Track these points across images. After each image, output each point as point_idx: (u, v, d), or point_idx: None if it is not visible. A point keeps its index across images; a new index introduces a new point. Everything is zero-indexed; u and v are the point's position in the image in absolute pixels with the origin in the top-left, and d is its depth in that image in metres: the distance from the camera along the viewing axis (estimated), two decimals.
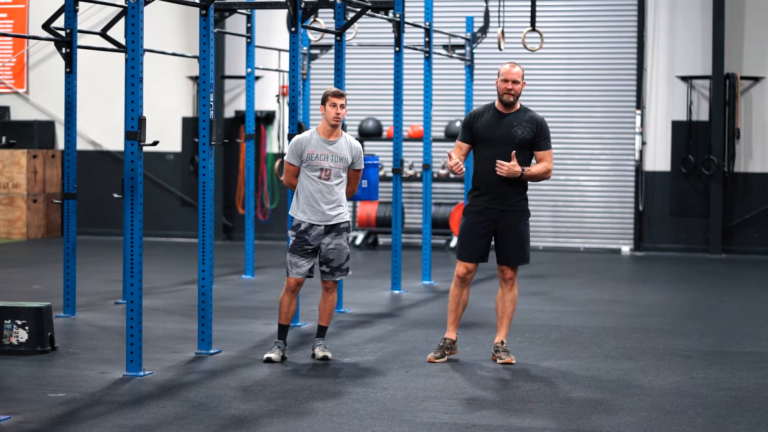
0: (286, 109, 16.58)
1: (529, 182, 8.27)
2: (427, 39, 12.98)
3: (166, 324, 9.92)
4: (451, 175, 17.31)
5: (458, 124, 17.01)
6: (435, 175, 17.33)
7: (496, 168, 8.07)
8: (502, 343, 8.34)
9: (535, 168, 8.19)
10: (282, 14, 17.11)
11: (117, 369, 7.82)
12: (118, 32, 10.52)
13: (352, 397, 7.17)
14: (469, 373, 7.99)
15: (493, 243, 8.39)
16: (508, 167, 8.05)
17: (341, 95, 8.28)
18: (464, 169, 8.12)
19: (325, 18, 15.08)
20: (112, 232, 17.98)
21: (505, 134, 8.17)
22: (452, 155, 8.13)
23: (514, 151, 8.09)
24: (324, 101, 8.29)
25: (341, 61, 10.50)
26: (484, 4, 15.21)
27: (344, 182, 8.39)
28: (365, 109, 17.94)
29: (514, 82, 8.18)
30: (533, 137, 8.19)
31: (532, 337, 9.49)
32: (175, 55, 14.38)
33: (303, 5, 9.75)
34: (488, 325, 9.82)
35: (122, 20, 9.02)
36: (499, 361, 8.27)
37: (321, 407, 6.87)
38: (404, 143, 15.98)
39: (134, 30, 7.59)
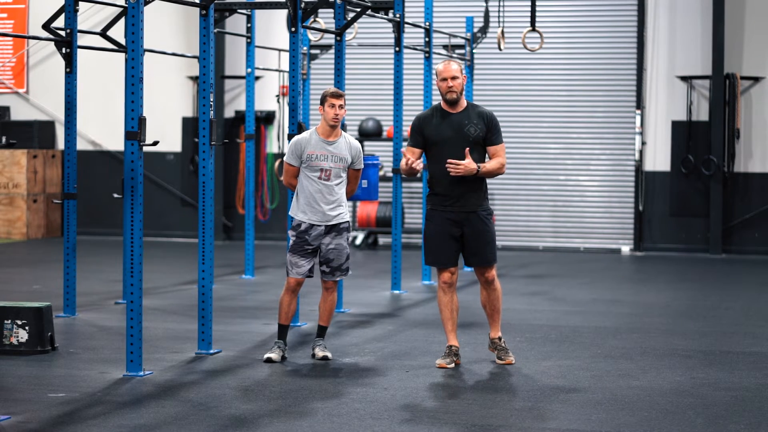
0: (286, 109, 16.57)
1: (488, 179, 8.20)
2: (427, 39, 12.98)
3: (166, 324, 9.92)
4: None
5: None
6: None
7: (449, 168, 7.91)
8: (500, 339, 8.32)
9: (489, 164, 8.04)
10: (282, 14, 17.11)
11: (117, 369, 7.82)
12: (118, 32, 10.53)
13: (352, 397, 7.17)
14: (469, 373, 7.99)
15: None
16: (464, 166, 7.89)
17: (340, 95, 8.27)
18: (422, 166, 8.00)
19: (325, 18, 15.08)
20: (112, 232, 17.98)
21: (457, 134, 8.04)
22: (407, 156, 7.99)
23: (468, 149, 7.97)
24: (323, 102, 8.29)
25: (341, 61, 10.50)
26: (484, 4, 15.22)
27: (344, 182, 8.39)
28: (365, 109, 17.93)
29: (453, 78, 8.05)
30: (485, 133, 8.10)
31: (532, 337, 9.49)
32: (175, 55, 14.37)
33: (303, 5, 9.75)
34: (487, 325, 9.80)
35: (122, 20, 9.02)
36: (498, 361, 8.27)
37: (321, 407, 6.87)
38: (404, 143, 15.98)
39: (134, 30, 7.59)
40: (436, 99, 16.44)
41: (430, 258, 8.19)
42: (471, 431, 6.39)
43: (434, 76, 8.19)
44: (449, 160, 7.93)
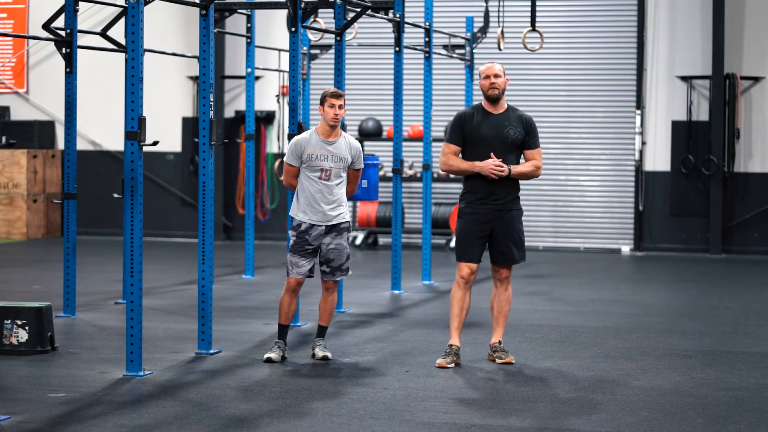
0: (286, 109, 16.58)
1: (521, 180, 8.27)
2: (427, 39, 12.98)
3: (166, 324, 9.92)
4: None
5: None
6: (435, 175, 17.32)
7: (492, 172, 8.00)
8: (500, 342, 8.33)
9: (523, 166, 8.14)
10: (282, 14, 17.11)
11: (117, 369, 7.82)
12: (118, 32, 10.53)
13: (352, 397, 7.18)
14: (469, 373, 7.99)
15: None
16: (504, 168, 8.02)
17: (339, 95, 8.27)
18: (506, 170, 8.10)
19: (325, 18, 15.08)
20: (112, 232, 17.98)
21: (497, 135, 8.12)
22: (494, 157, 8.07)
23: (493, 153, 8.08)
24: (322, 102, 8.29)
25: (341, 61, 10.50)
26: (484, 4, 15.21)
27: (344, 182, 8.39)
28: (365, 109, 17.94)
29: (496, 76, 8.16)
30: (524, 137, 8.18)
31: (532, 337, 9.49)
32: (175, 55, 14.37)
33: (303, 5, 9.75)
34: (488, 325, 9.79)
35: (122, 20, 9.02)
36: (498, 361, 8.27)
37: (321, 407, 6.87)
38: (404, 143, 15.98)
39: (134, 30, 7.59)
40: (437, 99, 16.52)
41: (457, 252, 8.25)
42: (471, 431, 6.39)
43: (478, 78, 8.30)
44: (493, 165, 8.00)
